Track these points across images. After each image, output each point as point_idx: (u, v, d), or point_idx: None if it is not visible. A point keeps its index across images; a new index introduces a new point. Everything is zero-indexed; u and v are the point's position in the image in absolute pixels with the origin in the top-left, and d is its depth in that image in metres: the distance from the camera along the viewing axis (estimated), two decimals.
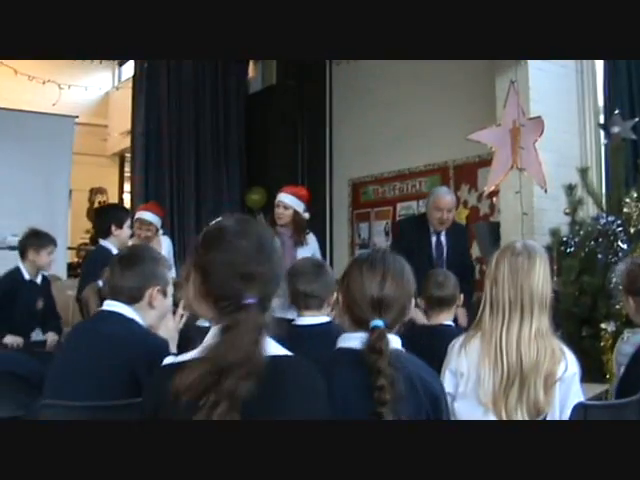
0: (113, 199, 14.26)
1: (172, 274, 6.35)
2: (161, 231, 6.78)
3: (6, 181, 9.14)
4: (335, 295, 3.51)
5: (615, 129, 5.67)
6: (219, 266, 1.85)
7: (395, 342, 2.29)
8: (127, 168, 12.36)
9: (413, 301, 2.39)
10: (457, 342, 2.83)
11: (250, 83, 10.30)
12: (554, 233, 5.52)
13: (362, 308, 2.29)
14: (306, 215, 6.30)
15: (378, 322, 2.24)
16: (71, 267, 10.41)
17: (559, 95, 6.53)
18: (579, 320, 5.19)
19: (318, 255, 6.31)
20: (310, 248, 6.27)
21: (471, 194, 8.08)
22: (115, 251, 5.32)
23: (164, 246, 6.63)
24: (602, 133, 6.03)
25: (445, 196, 5.94)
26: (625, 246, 5.12)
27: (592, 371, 4.94)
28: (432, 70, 8.00)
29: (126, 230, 5.73)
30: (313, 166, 9.83)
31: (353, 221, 9.63)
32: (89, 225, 13.83)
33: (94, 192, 14.17)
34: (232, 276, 1.84)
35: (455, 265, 5.52)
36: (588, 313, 5.15)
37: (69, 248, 10.76)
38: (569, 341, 5.12)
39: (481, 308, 2.79)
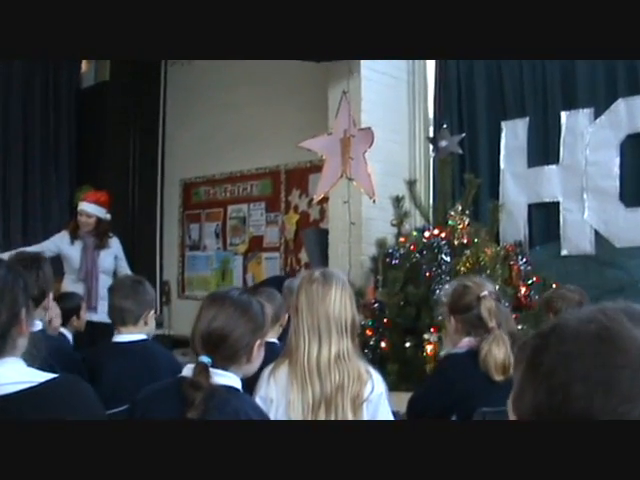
0: None
1: None
2: None
3: None
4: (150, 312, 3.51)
5: (443, 143, 5.80)
6: None
7: (228, 380, 2.31)
8: None
9: (258, 341, 2.38)
10: (267, 370, 2.83)
11: (83, 77, 9.94)
12: (380, 244, 5.59)
13: (195, 342, 2.32)
14: (108, 217, 6.58)
15: (204, 358, 2.27)
16: None
17: (390, 106, 6.62)
18: (403, 330, 5.28)
19: (122, 257, 6.63)
20: (112, 251, 6.56)
21: (302, 199, 8.09)
22: None
23: None
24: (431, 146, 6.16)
25: None
26: (448, 259, 5.24)
27: (414, 380, 5.05)
28: (267, 75, 7.98)
29: None
30: (144, 165, 9.61)
31: (184, 222, 9.50)
32: None
33: None
34: None
35: None
36: (412, 323, 5.24)
37: None
38: (393, 351, 5.26)
39: (289, 337, 2.85)
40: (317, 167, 6.99)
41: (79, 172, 9.58)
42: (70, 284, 6.27)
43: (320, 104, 6.81)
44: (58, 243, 6.37)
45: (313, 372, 2.68)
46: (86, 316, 5.47)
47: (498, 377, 2.99)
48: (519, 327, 5.13)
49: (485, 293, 3.07)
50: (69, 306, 4.89)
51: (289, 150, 7.42)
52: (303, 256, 7.89)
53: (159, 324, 9.28)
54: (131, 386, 3.19)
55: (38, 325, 2.84)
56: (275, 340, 3.87)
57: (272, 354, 3.18)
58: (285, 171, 8.28)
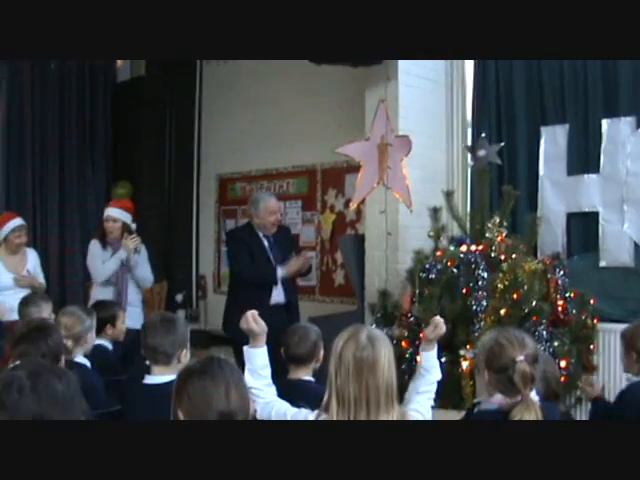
0: None
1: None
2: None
3: None
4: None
5: (481, 152, 5.70)
6: None
7: None
8: None
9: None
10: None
11: (118, 72, 9.94)
12: (417, 256, 5.53)
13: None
14: (133, 226, 6.53)
15: None
16: None
17: (428, 112, 6.55)
18: (439, 345, 5.22)
19: (147, 267, 6.53)
20: (143, 257, 6.51)
21: (338, 199, 8.08)
22: None
23: (30, 258, 6.74)
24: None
25: (274, 199, 6.44)
26: (485, 274, 5.18)
27: (450, 396, 5.03)
28: (304, 72, 7.92)
29: None
30: (181, 160, 9.67)
31: (220, 217, 9.52)
32: None
33: None
34: None
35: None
36: (448, 339, 5.18)
37: None
38: None
39: (327, 395, 2.73)
40: (354, 168, 6.94)
41: (115, 167, 9.64)
42: (99, 289, 6.33)
43: (358, 104, 6.75)
44: (99, 255, 6.40)
45: None
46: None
47: None
48: (555, 344, 5.11)
49: (521, 358, 2.95)
50: (102, 315, 4.92)
51: (326, 149, 7.38)
52: (339, 256, 7.87)
53: (195, 318, 9.38)
54: None
55: None
56: (310, 378, 3.85)
57: (307, 394, 3.17)
58: (321, 170, 8.26)
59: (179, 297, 9.45)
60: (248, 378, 2.75)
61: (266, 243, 6.27)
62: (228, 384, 2.27)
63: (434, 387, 3.28)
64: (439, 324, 3.35)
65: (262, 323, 3.15)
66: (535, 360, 3.00)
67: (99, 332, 4.85)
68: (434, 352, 3.39)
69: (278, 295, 6.19)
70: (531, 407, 2.88)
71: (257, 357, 3.14)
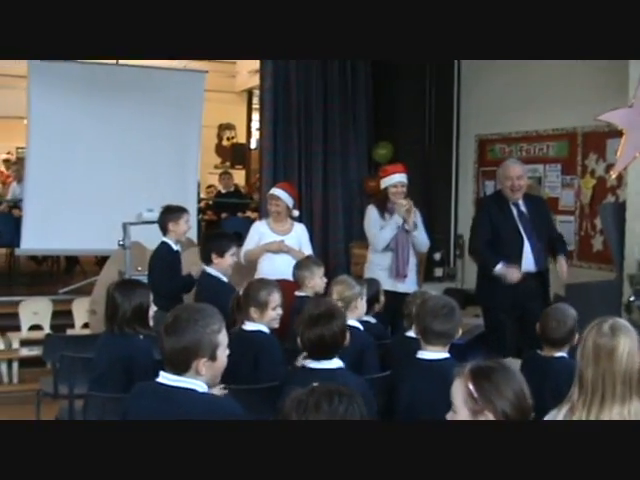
0: (241, 135, 14.60)
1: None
2: (296, 212, 6.93)
3: (137, 138, 9.32)
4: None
5: None
6: None
7: None
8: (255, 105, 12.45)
9: None
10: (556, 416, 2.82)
11: None
12: None
13: None
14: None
15: None
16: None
17: None
18: None
19: (423, 231, 6.81)
20: (418, 221, 6.71)
21: (599, 164, 7.94)
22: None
23: (296, 231, 6.79)
24: None
25: (513, 164, 6.30)
26: None
27: None
28: None
29: (228, 259, 5.70)
30: (440, 120, 9.79)
31: (479, 178, 9.61)
32: (217, 160, 14.34)
33: (222, 128, 14.55)
34: None
35: (541, 231, 6.13)
36: None
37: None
38: None
39: (574, 382, 2.81)
40: (616, 133, 6.80)
41: (376, 127, 9.90)
42: (378, 255, 6.57)
43: (621, 68, 6.59)
44: (378, 221, 6.57)
45: None
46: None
47: None
48: None
49: None
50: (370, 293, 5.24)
51: (586, 113, 7.29)
52: (598, 222, 7.78)
53: (451, 277, 9.60)
54: (426, 404, 3.44)
55: None
56: (564, 354, 4.01)
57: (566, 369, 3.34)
58: (582, 134, 8.13)
59: (437, 255, 9.68)
60: None
61: (515, 212, 6.15)
62: (522, 381, 2.55)
63: None
64: None
65: None
66: None
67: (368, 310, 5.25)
68: None
69: (528, 263, 6.05)
70: None
71: None
